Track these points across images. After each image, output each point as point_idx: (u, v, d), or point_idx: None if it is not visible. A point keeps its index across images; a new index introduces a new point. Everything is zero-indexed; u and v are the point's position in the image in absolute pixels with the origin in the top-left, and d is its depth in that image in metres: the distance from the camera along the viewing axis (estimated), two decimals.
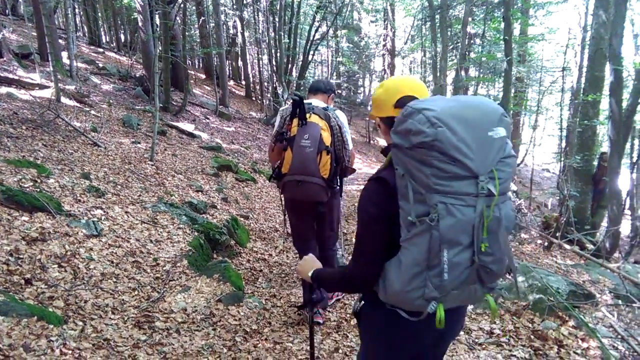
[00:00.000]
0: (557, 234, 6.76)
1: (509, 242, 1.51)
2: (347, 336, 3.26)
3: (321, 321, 3.41)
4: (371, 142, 25.96)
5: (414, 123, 1.29)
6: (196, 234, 4.77)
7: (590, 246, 7.11)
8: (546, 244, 6.54)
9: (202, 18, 16.71)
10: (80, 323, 2.78)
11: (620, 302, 3.78)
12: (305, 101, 3.03)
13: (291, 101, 3.02)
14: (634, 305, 3.53)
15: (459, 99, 1.40)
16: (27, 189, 3.93)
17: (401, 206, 1.36)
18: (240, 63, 24.39)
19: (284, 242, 5.84)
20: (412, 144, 1.29)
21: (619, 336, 3.02)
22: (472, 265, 1.32)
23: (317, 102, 3.15)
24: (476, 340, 2.99)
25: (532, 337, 3.00)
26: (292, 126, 3.02)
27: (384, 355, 1.64)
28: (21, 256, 3.10)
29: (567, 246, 6.04)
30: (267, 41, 17.93)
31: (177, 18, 12.01)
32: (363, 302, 1.65)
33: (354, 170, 3.30)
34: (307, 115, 2.99)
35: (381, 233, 1.44)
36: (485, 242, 1.30)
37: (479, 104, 1.38)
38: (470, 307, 3.44)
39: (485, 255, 1.32)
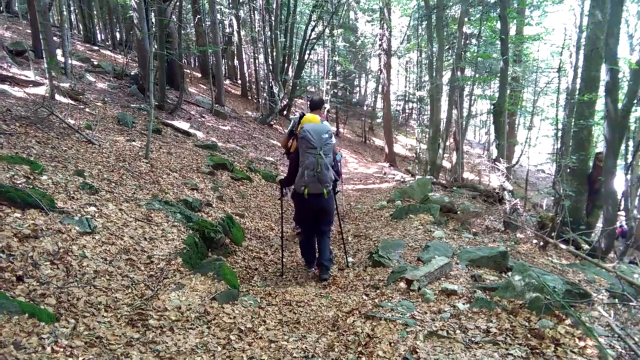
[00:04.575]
0: (553, 234, 6.76)
1: (330, 173, 4.45)
2: (342, 334, 3.24)
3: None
4: (367, 141, 25.98)
5: (301, 130, 4.46)
6: (191, 232, 4.73)
7: (585, 246, 7.12)
8: (542, 243, 6.54)
9: (198, 16, 16.64)
10: (73, 321, 2.74)
11: (616, 301, 3.77)
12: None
13: (298, 115, 5.18)
14: (630, 304, 3.52)
15: (315, 124, 4.50)
16: (20, 186, 3.88)
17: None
18: (236, 62, 24.32)
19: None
20: (299, 137, 4.46)
21: (616, 335, 3.01)
22: (315, 176, 4.36)
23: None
24: (472, 338, 2.97)
25: (528, 335, 2.98)
26: (298, 128, 4.93)
27: (298, 210, 4.84)
28: (13, 253, 3.05)
29: (563, 246, 6.03)
30: (263, 40, 17.90)
31: (173, 16, 11.94)
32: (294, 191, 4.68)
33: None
34: None
35: (296, 161, 4.53)
36: (318, 168, 4.35)
37: (323, 126, 4.51)
38: (466, 306, 3.43)
39: (318, 173, 4.36)
